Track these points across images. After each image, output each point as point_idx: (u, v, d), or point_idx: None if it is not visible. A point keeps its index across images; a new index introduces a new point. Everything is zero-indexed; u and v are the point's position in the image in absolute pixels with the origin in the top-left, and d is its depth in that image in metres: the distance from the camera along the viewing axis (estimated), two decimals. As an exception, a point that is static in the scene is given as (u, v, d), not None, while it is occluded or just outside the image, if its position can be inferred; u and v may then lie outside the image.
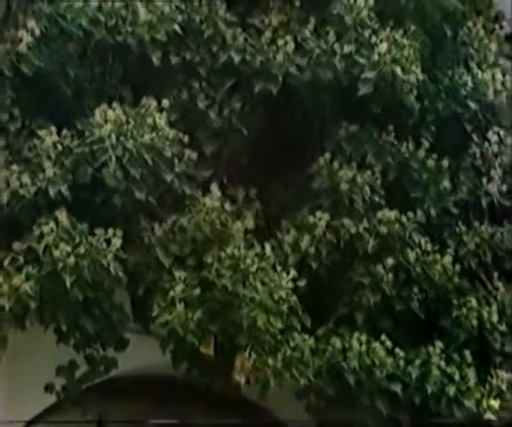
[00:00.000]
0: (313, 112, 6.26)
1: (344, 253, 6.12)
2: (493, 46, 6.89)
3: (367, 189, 6.07)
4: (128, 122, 5.67)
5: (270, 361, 5.77)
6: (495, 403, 6.26)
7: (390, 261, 6.12)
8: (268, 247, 5.79)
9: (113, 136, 5.60)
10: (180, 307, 5.60)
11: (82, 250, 5.42)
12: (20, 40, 5.72)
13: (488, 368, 6.38)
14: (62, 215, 5.49)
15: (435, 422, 6.54)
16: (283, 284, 5.70)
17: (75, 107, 5.88)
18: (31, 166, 5.59)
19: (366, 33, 6.26)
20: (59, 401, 6.21)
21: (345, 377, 6.00)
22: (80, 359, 5.95)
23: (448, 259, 6.22)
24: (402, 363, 6.10)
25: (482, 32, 6.79)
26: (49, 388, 5.99)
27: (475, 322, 6.28)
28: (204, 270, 5.71)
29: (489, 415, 6.25)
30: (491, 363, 6.41)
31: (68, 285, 5.38)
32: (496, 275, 6.45)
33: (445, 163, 6.29)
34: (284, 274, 5.74)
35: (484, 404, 6.26)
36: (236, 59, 6.11)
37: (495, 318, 6.32)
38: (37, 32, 5.74)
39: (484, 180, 6.43)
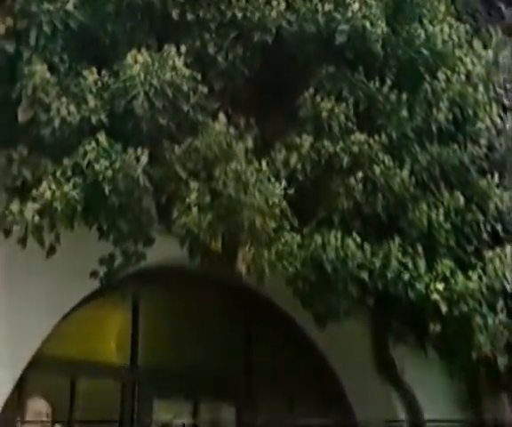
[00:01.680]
0: (300, 57, 6.23)
1: (324, 169, 6.11)
2: (442, 7, 6.85)
3: (342, 117, 6.06)
4: (153, 64, 5.68)
5: (266, 254, 5.81)
6: (440, 286, 6.32)
7: (360, 174, 6.11)
8: (264, 163, 5.81)
9: (141, 75, 5.61)
10: (194, 211, 5.64)
11: (117, 165, 5.46)
12: (68, 1, 5.69)
13: (435, 259, 6.42)
14: (102, 137, 5.52)
15: (392, 303, 6.66)
16: (276, 192, 5.74)
17: (111, 53, 5.86)
18: (77, 99, 5.57)
19: (342, -5, 6.22)
20: (101, 287, 6.21)
21: (324, 266, 6.03)
22: (117, 253, 5.96)
23: (405, 173, 6.22)
24: (368, 255, 6.13)
25: (433, -4, 6.74)
26: (93, 275, 6.00)
27: (425, 222, 6.32)
28: (213, 182, 5.72)
29: (435, 296, 6.30)
30: (437, 255, 6.43)
31: (106, 192, 5.42)
32: (443, 185, 6.47)
33: (404, 97, 6.26)
34: (277, 184, 5.77)
35: (432, 287, 6.31)
36: (239, 15, 6.08)
37: (441, 218, 6.35)
38: (81, -6, 5.73)
39: (434, 110, 6.38)
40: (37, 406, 5.74)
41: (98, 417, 6.62)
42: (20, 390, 6.10)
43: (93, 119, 5.55)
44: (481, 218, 6.62)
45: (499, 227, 6.78)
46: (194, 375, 7.09)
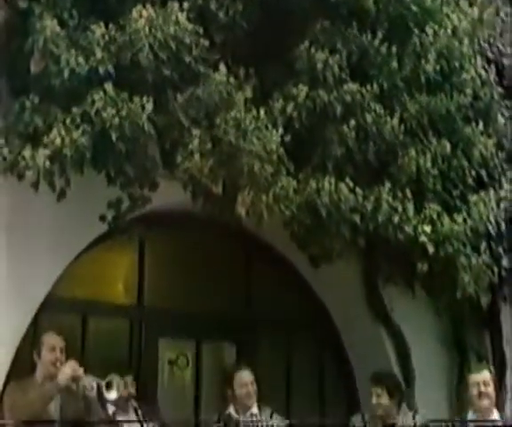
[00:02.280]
0: (296, 13, 6.12)
1: (319, 117, 6.03)
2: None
3: (336, 68, 5.97)
4: (157, 18, 5.57)
5: (264, 198, 5.74)
6: (427, 228, 6.27)
7: (353, 122, 6.03)
8: (262, 112, 5.72)
9: (146, 29, 5.51)
10: (196, 157, 5.56)
11: (123, 113, 5.37)
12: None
13: (423, 202, 6.37)
14: (109, 87, 5.42)
15: (382, 245, 6.63)
16: (273, 139, 5.67)
17: (118, 8, 5.74)
18: (85, 52, 5.48)
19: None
20: (109, 230, 6.16)
21: (319, 210, 5.97)
22: (124, 197, 5.90)
23: (395, 121, 6.15)
24: (360, 199, 6.07)
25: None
26: (102, 218, 5.93)
27: (414, 168, 6.26)
28: (214, 129, 5.65)
29: (423, 238, 6.25)
30: (425, 199, 6.39)
31: (113, 139, 5.35)
32: (430, 133, 6.40)
33: (394, 49, 6.17)
34: (274, 132, 5.70)
35: (420, 229, 6.26)
36: (239, -26, 5.94)
37: (429, 164, 6.29)
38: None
39: (423, 61, 6.31)
40: (52, 341, 5.66)
41: (107, 354, 6.66)
42: (35, 329, 6.07)
43: (101, 70, 5.46)
44: (466, 164, 6.57)
45: (483, 172, 6.74)
46: (197, 315, 7.06)
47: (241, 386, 6.25)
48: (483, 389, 6.04)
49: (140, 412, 6.01)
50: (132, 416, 5.98)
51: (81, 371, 5.45)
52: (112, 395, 5.46)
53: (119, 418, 5.95)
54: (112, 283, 6.92)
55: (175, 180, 5.83)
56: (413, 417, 6.33)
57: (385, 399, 6.24)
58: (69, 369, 5.42)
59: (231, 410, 6.29)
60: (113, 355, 6.75)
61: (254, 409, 6.29)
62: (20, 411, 5.35)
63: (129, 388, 6.05)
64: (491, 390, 6.08)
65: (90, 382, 5.49)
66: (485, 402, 6.05)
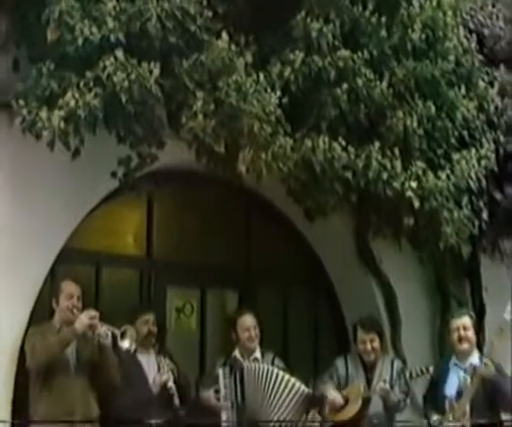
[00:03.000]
0: (293, -15, 6.03)
1: (314, 81, 5.99)
2: None
3: (330, 36, 5.92)
4: (164, -10, 5.53)
5: (263, 156, 5.73)
6: (414, 184, 6.24)
7: (345, 86, 5.99)
8: (261, 76, 5.69)
9: (154, 0, 5.49)
10: (200, 117, 5.54)
11: (133, 77, 5.34)
12: None
13: (409, 160, 6.35)
14: (119, 54, 5.38)
15: (372, 200, 6.61)
16: (271, 101, 5.64)
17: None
18: (98, 22, 5.43)
19: None
20: (120, 186, 6.15)
21: (314, 167, 5.97)
22: (133, 155, 5.89)
23: (384, 85, 6.12)
24: (352, 157, 6.05)
25: None
26: (113, 175, 5.93)
27: (401, 128, 6.22)
28: (216, 92, 5.62)
29: (409, 193, 6.22)
30: (411, 157, 6.37)
31: (123, 101, 5.33)
32: (417, 96, 6.36)
33: (383, 19, 6.11)
34: (273, 94, 5.67)
35: (406, 185, 6.23)
36: None
37: (415, 125, 6.25)
38: None
39: (409, 30, 6.26)
40: (69, 289, 5.65)
41: (119, 302, 6.67)
42: (52, 279, 6.08)
43: (112, 38, 5.41)
44: (449, 125, 6.54)
45: (465, 133, 6.70)
46: (201, 266, 7.07)
47: (243, 330, 6.21)
48: (462, 333, 6.02)
49: (158, 348, 6.04)
50: (152, 354, 6.00)
51: (97, 320, 5.45)
52: (125, 344, 5.48)
53: (140, 355, 5.97)
54: (123, 236, 6.91)
55: (180, 139, 5.81)
56: (392, 363, 6.30)
57: (377, 344, 6.23)
58: (86, 317, 5.41)
59: (236, 353, 6.24)
60: (124, 303, 6.73)
61: (257, 353, 6.25)
62: (39, 354, 5.38)
63: (150, 325, 6.02)
64: (470, 334, 6.05)
65: (105, 331, 5.50)
66: (465, 346, 6.02)
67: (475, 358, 6.03)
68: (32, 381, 5.50)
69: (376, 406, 6.08)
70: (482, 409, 5.75)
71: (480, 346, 7.17)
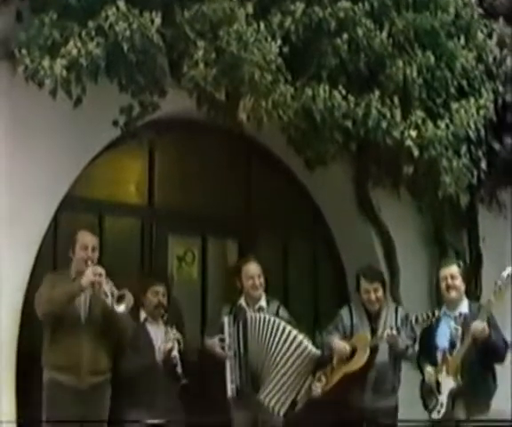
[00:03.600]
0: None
1: (314, 31, 6.03)
2: None
3: (330, -11, 5.92)
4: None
5: (263, 104, 5.76)
6: (413, 133, 6.30)
7: (345, 36, 6.03)
8: (262, 25, 5.72)
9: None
10: (201, 66, 5.58)
11: (134, 26, 5.37)
12: None
13: (409, 109, 6.40)
14: (121, 4, 5.41)
15: (371, 149, 6.68)
16: (272, 50, 5.67)
17: None
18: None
19: None
20: (122, 134, 6.17)
21: (314, 116, 6.01)
22: (135, 104, 5.88)
23: (384, 35, 6.16)
24: (352, 106, 6.09)
25: None
26: (115, 123, 5.94)
27: (401, 77, 6.27)
28: (217, 41, 5.64)
29: (408, 142, 6.29)
30: (411, 106, 6.41)
31: (125, 50, 5.36)
32: (416, 46, 6.41)
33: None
34: (273, 44, 5.71)
35: (406, 134, 6.30)
36: None
37: (415, 74, 6.30)
38: None
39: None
40: (84, 240, 5.67)
41: (121, 250, 6.75)
42: (56, 226, 6.20)
43: (114, -9, 5.43)
44: (449, 75, 6.58)
45: (464, 83, 6.74)
46: (202, 214, 7.14)
47: (247, 278, 6.18)
48: (450, 282, 5.99)
49: (166, 319, 6.01)
50: (161, 324, 5.99)
51: (102, 278, 5.46)
52: (121, 308, 5.46)
53: (149, 326, 6.02)
54: (124, 185, 6.95)
55: (182, 88, 5.83)
56: (396, 310, 6.26)
57: (381, 293, 6.18)
58: (91, 274, 5.43)
59: (242, 301, 6.23)
60: (126, 251, 6.84)
61: (262, 302, 6.22)
62: (44, 304, 5.44)
63: (160, 296, 6.02)
64: (458, 282, 6.01)
65: (109, 289, 5.51)
66: (453, 294, 5.99)
67: (464, 307, 6.01)
68: (43, 329, 5.53)
69: (382, 355, 6.07)
70: (474, 363, 5.77)
71: (477, 296, 7.34)
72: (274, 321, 6.02)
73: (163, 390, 5.82)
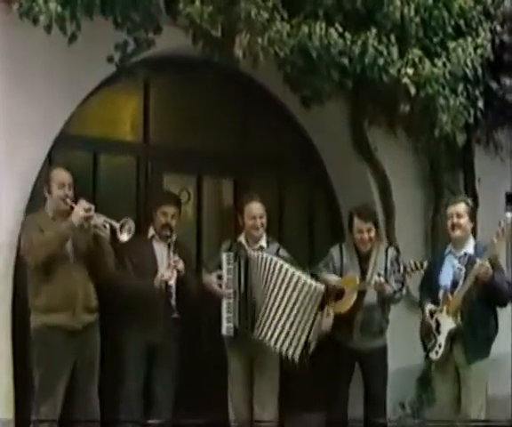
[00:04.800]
0: None
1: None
2: None
3: None
4: None
5: (259, 40, 5.77)
6: (410, 71, 6.34)
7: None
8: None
9: None
10: (197, 3, 5.57)
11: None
12: None
13: (406, 48, 6.43)
14: None
15: (368, 87, 6.69)
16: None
17: None
18: None
19: None
20: (117, 71, 6.15)
21: (310, 53, 6.04)
22: (130, 41, 5.86)
23: (382, -28, 6.13)
24: (348, 43, 6.12)
25: None
26: (110, 60, 5.92)
27: (398, 16, 6.28)
28: (213, -23, 5.61)
29: (405, 80, 6.34)
30: (408, 44, 6.44)
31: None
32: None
33: None
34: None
35: (403, 71, 6.34)
36: None
37: (412, 13, 6.32)
38: None
39: None
40: (60, 177, 5.64)
41: (116, 188, 6.81)
42: (50, 164, 6.16)
43: None
44: (446, 14, 6.59)
45: (461, 22, 6.76)
46: (198, 152, 7.18)
47: (249, 218, 6.17)
48: (455, 220, 5.93)
49: (172, 243, 6.05)
50: (166, 246, 6.06)
51: (92, 211, 5.47)
52: (124, 237, 5.50)
53: (155, 244, 6.12)
54: (120, 123, 6.96)
55: (177, 25, 5.84)
56: (386, 251, 6.31)
57: (374, 233, 6.20)
58: (81, 209, 5.42)
59: (242, 239, 6.23)
60: (121, 190, 6.88)
61: (263, 242, 6.23)
62: (37, 250, 5.39)
63: (168, 218, 6.12)
64: (464, 221, 5.95)
65: (102, 223, 5.52)
66: (457, 233, 5.94)
67: (470, 248, 5.97)
68: (30, 274, 5.49)
69: (370, 297, 6.14)
70: (475, 305, 5.79)
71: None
72: (276, 261, 6.01)
73: (160, 315, 5.94)
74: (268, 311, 5.96)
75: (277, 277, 5.97)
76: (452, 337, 5.82)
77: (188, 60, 6.69)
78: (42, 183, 5.82)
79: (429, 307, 5.97)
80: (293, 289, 5.92)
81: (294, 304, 5.91)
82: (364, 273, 6.18)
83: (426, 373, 7.74)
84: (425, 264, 5.98)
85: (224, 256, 6.15)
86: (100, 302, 5.77)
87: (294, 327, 5.88)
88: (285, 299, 5.93)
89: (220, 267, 6.17)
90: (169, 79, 7.05)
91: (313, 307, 5.89)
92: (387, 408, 6.59)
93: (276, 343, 5.91)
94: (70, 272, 5.55)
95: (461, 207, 6.02)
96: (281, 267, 5.97)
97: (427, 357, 6.08)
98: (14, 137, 5.80)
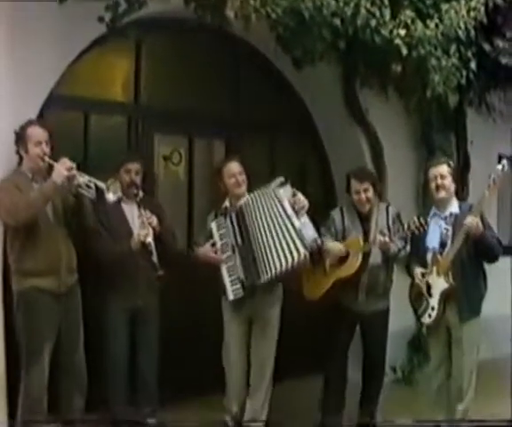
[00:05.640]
0: None
1: None
2: None
3: None
4: None
5: (251, 1, 5.76)
6: (402, 32, 6.36)
7: None
8: None
9: None
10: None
11: None
12: None
13: (398, 9, 6.45)
14: None
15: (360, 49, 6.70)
16: None
17: None
18: None
19: None
20: (108, 32, 6.13)
21: (302, 14, 6.04)
22: (121, 1, 5.81)
23: None
24: (341, 4, 6.13)
25: None
26: (100, 19, 5.87)
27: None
28: None
29: (398, 41, 6.37)
30: (400, 6, 6.46)
31: None
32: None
33: None
34: None
35: (395, 32, 6.37)
36: None
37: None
38: None
39: None
40: (37, 135, 5.52)
41: (107, 149, 6.79)
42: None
43: None
44: (439, -20, 6.62)
45: (454, -14, 6.79)
46: (189, 114, 7.19)
47: (229, 177, 6.15)
48: (439, 182, 5.91)
49: (140, 200, 6.01)
50: (135, 206, 6.03)
51: (74, 170, 5.36)
52: (111, 197, 5.44)
53: (124, 205, 6.06)
54: (111, 83, 6.95)
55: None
56: (387, 210, 6.31)
57: (371, 194, 6.20)
58: (63, 168, 5.30)
59: (227, 203, 6.22)
60: (112, 150, 6.84)
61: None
62: (21, 212, 5.28)
63: (132, 175, 6.08)
64: (447, 182, 5.93)
65: (85, 182, 5.45)
66: (442, 194, 5.93)
67: (454, 207, 5.98)
68: (11, 237, 5.40)
69: (374, 257, 6.14)
70: (465, 263, 5.81)
71: (464, 199, 7.45)
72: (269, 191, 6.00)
73: (142, 277, 5.94)
74: (267, 248, 5.89)
75: (271, 206, 5.95)
76: (444, 298, 5.85)
77: (180, 22, 6.67)
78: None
79: (418, 271, 5.99)
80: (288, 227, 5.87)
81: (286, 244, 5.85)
82: (366, 233, 6.18)
83: (417, 336, 7.87)
84: (428, 220, 5.98)
85: (213, 225, 6.14)
86: (81, 266, 5.75)
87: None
88: (283, 236, 5.87)
89: (210, 238, 6.14)
90: (161, 40, 7.05)
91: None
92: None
93: (281, 266, 5.81)
94: (53, 234, 5.48)
95: (444, 169, 5.99)
96: (282, 206, 5.93)
97: (418, 321, 6.12)
98: (3, 96, 5.76)
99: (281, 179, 6.12)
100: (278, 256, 5.82)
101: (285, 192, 6.03)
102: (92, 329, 5.88)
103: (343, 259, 6.14)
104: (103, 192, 5.44)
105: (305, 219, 5.95)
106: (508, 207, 9.64)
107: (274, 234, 5.88)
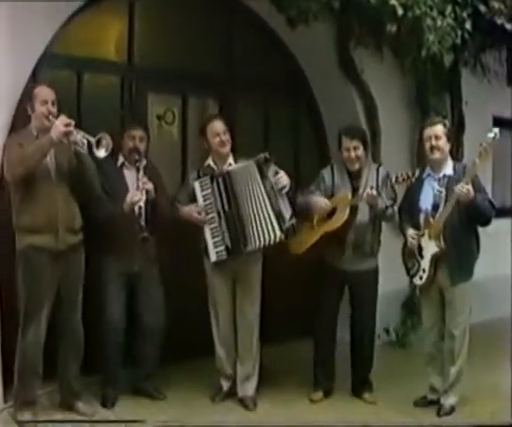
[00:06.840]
0: None
1: None
2: None
3: None
4: None
5: None
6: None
7: None
8: None
9: None
10: None
11: None
12: None
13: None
14: None
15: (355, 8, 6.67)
16: None
17: None
18: None
19: None
20: None
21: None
22: None
23: None
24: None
25: None
26: None
27: None
28: None
29: (393, 1, 6.37)
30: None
31: None
32: None
33: None
34: None
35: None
36: None
37: None
38: None
39: None
40: (43, 94, 5.59)
41: (101, 108, 6.79)
42: (35, 83, 6.09)
43: None
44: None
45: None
46: (183, 73, 7.20)
47: (213, 135, 6.13)
48: (434, 142, 5.90)
49: (141, 166, 6.02)
50: (134, 170, 6.03)
51: (72, 126, 5.40)
52: (101, 153, 5.42)
53: (126, 171, 6.11)
54: (104, 43, 6.93)
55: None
56: (377, 170, 6.30)
57: (361, 152, 6.19)
58: (61, 124, 5.35)
59: (210, 162, 6.22)
60: (106, 109, 6.86)
61: (231, 160, 6.23)
62: (16, 165, 5.37)
63: (136, 141, 6.11)
64: (442, 143, 5.91)
65: (80, 139, 5.45)
66: (436, 155, 5.92)
67: (448, 169, 5.97)
68: (12, 193, 5.48)
69: (362, 215, 6.17)
70: (457, 226, 5.83)
71: (459, 160, 7.48)
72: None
73: (135, 240, 6.00)
74: (252, 220, 5.97)
75: (253, 183, 5.99)
76: (435, 261, 5.89)
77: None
78: (25, 102, 5.76)
79: (411, 232, 6.02)
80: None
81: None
82: (355, 191, 6.18)
83: (411, 298, 7.94)
84: (416, 173, 6.04)
85: (196, 184, 6.13)
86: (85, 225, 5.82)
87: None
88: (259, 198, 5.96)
89: (192, 197, 6.16)
90: (154, 0, 7.02)
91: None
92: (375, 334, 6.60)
93: (260, 242, 5.95)
94: (52, 192, 5.54)
95: (439, 129, 5.97)
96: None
97: (411, 282, 6.16)
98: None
99: (265, 154, 6.10)
100: (257, 233, 5.94)
101: (268, 170, 6.04)
102: (90, 291, 5.94)
103: (331, 215, 6.18)
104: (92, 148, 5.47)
105: (284, 200, 6.01)
106: (508, 169, 9.66)
107: (255, 210, 5.96)
